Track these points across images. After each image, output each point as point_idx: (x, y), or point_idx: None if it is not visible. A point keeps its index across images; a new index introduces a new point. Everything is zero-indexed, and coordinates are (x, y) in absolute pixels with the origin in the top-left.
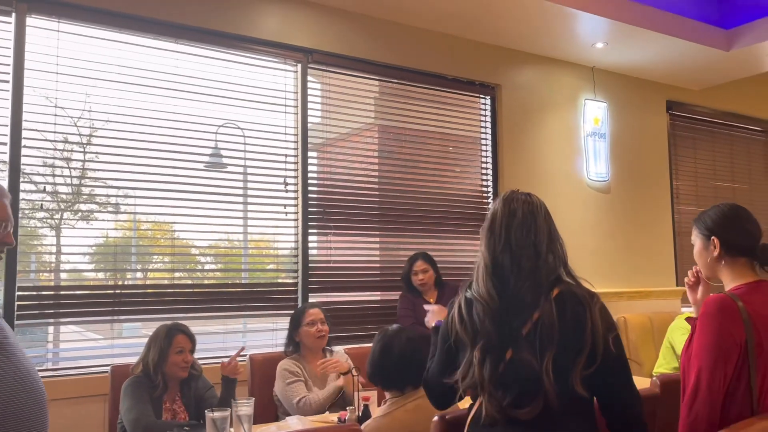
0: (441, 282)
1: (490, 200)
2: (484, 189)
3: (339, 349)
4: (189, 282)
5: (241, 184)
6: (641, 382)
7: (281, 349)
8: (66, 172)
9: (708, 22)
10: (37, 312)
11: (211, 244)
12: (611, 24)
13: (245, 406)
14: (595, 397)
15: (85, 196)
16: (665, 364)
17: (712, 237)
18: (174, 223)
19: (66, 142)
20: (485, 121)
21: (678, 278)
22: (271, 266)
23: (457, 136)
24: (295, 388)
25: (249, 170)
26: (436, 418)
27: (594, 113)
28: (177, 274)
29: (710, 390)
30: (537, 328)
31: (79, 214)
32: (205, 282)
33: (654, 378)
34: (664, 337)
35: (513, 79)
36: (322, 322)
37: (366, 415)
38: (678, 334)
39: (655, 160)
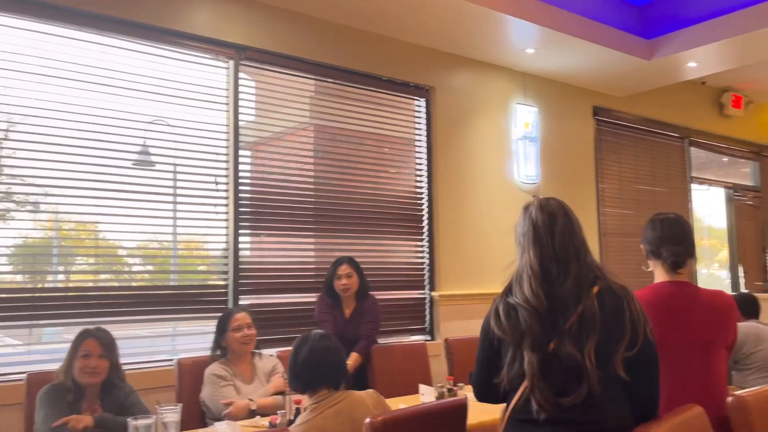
0: (364, 292)
1: (424, 201)
2: (418, 190)
3: (269, 352)
4: (115, 284)
5: (170, 183)
6: None
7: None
8: None
9: (631, 32)
10: None
11: (138, 244)
12: (541, 30)
13: (171, 413)
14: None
15: (0, 194)
16: None
17: (641, 245)
18: (99, 222)
19: None
20: (420, 123)
21: None
22: (201, 268)
23: (392, 137)
24: (225, 392)
25: (179, 169)
26: (367, 420)
27: (524, 117)
28: (102, 276)
29: None
30: (580, 320)
31: None
32: (132, 284)
33: None
34: None
35: (447, 82)
36: (248, 327)
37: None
38: None
39: (582, 163)
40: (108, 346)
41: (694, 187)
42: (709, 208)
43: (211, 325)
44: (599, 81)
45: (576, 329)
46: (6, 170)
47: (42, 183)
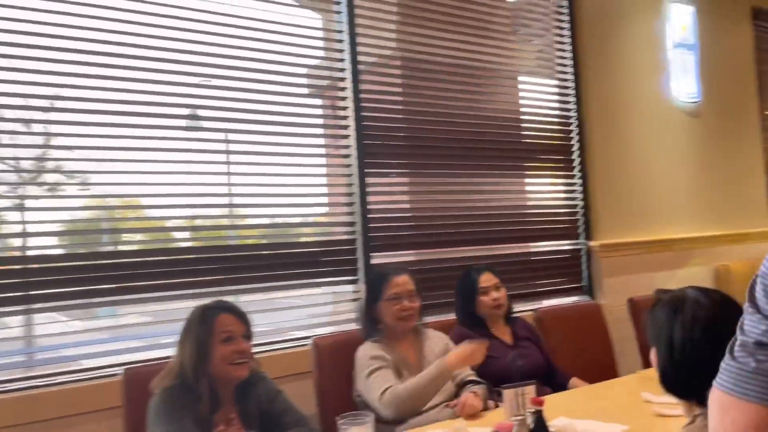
0: (510, 311)
1: (573, 128)
2: (565, 113)
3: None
4: (210, 245)
5: (265, 97)
6: None
7: (345, 327)
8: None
9: None
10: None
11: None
12: None
13: (362, 428)
14: None
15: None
16: None
17: None
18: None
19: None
20: (562, 29)
21: None
22: (319, 219)
23: (526, 47)
24: (381, 376)
25: (280, 84)
26: None
27: (680, 19)
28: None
29: None
30: None
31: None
32: (244, 244)
33: None
34: None
35: None
36: (410, 297)
37: (541, 427)
38: None
39: (743, 78)
40: (248, 322)
41: None
42: None
43: (337, 291)
44: None
45: None
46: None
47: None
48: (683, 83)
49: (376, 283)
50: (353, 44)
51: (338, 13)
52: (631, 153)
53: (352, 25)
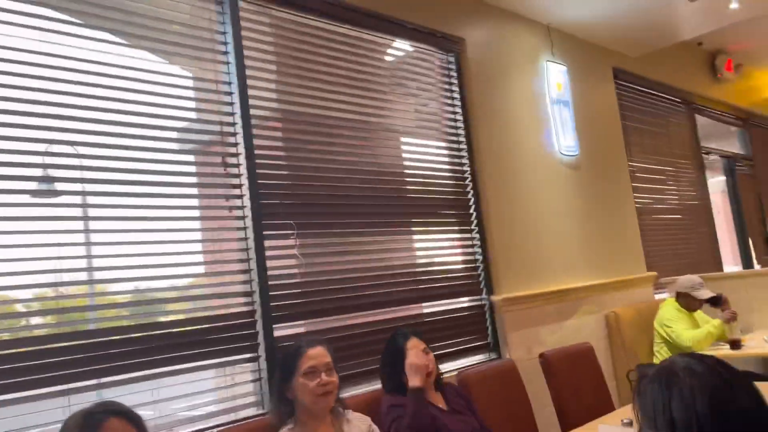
0: (440, 377)
1: (468, 183)
2: (460, 168)
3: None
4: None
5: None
6: None
7: (245, 412)
8: None
9: None
10: None
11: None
12: None
13: None
14: None
15: None
16: (665, 354)
17: None
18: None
19: None
20: (450, 85)
21: (647, 262)
22: (208, 291)
23: (422, 102)
24: None
25: (157, 140)
26: None
27: (556, 77)
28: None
29: None
30: None
31: None
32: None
33: None
34: (651, 328)
35: (477, 34)
36: (328, 370)
37: None
38: (673, 321)
39: (611, 132)
40: (144, 427)
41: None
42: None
43: (236, 374)
44: (624, 32)
45: None
46: None
47: None
48: (563, 137)
49: (288, 358)
50: (244, 97)
51: (227, 63)
52: (523, 206)
53: (242, 78)
